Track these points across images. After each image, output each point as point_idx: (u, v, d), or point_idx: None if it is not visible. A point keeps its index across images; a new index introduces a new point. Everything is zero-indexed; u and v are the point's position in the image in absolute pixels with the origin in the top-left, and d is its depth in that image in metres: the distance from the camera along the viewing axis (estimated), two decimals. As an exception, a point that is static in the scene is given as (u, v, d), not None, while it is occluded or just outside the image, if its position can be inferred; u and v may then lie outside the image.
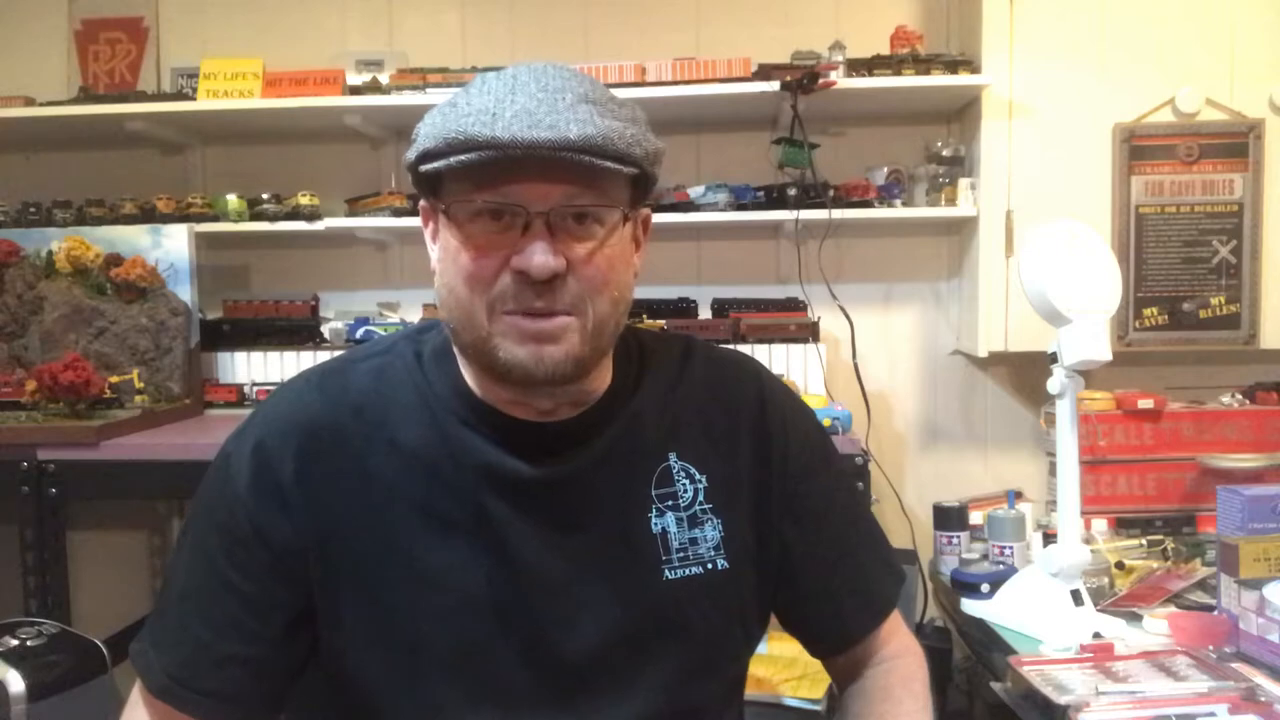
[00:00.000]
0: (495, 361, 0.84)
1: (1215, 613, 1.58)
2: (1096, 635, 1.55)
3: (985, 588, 1.80)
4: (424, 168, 0.83)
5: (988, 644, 1.66)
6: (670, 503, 0.93)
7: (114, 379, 2.19)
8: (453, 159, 0.80)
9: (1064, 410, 1.64)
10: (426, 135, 0.83)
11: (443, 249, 0.87)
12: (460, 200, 0.83)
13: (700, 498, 0.94)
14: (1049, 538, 1.91)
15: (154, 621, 0.91)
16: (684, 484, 0.93)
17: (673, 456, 0.94)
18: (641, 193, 0.89)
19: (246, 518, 0.87)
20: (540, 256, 0.80)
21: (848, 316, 2.33)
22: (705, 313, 2.38)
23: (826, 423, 2.00)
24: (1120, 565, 1.82)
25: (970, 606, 1.79)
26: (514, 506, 0.88)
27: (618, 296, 0.86)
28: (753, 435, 0.97)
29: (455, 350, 0.92)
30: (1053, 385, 1.64)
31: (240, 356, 2.40)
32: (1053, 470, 1.98)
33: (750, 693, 1.09)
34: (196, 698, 0.86)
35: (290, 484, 0.87)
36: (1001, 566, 1.86)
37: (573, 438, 0.91)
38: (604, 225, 0.84)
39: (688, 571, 0.92)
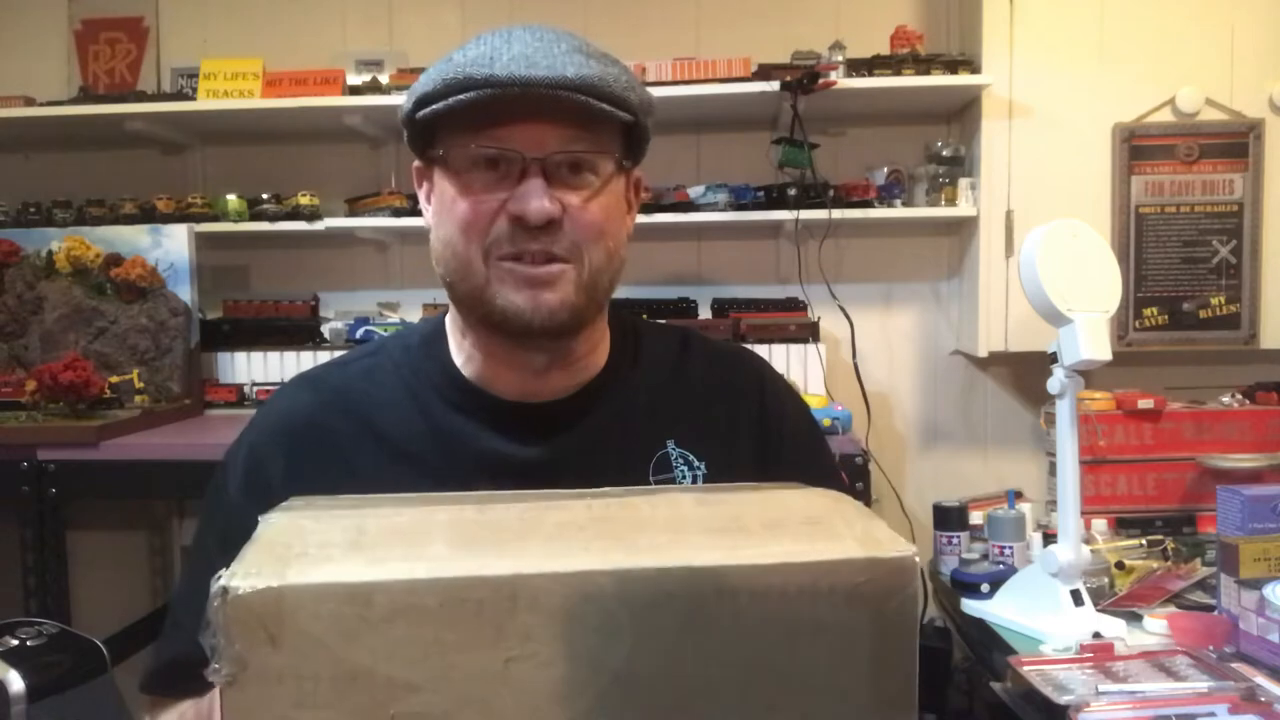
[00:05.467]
0: (493, 310, 0.84)
1: (1215, 613, 1.58)
2: (1096, 635, 1.55)
3: (985, 588, 1.80)
4: (422, 112, 0.83)
5: (988, 644, 1.66)
6: None
7: (114, 379, 2.19)
8: (451, 99, 0.80)
9: (1064, 410, 1.63)
10: (423, 83, 0.83)
11: (438, 200, 0.87)
12: (457, 146, 0.83)
13: (699, 484, 0.93)
14: (1049, 538, 1.91)
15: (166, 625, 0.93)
16: (682, 470, 0.93)
17: (670, 443, 0.93)
18: (633, 149, 0.89)
19: (240, 520, 0.86)
20: (536, 201, 0.80)
21: (848, 316, 2.33)
22: (705, 313, 2.38)
23: (826, 423, 2.00)
24: (1120, 565, 1.82)
25: (970, 606, 1.79)
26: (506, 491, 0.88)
27: (612, 248, 0.86)
28: (753, 426, 0.97)
29: (447, 328, 0.92)
30: (1053, 385, 1.64)
31: (240, 356, 2.40)
32: (1053, 470, 1.98)
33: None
34: (178, 695, 0.86)
35: (280, 483, 0.87)
36: (1001, 566, 1.86)
37: (566, 419, 0.90)
38: (599, 175, 0.85)
39: None
